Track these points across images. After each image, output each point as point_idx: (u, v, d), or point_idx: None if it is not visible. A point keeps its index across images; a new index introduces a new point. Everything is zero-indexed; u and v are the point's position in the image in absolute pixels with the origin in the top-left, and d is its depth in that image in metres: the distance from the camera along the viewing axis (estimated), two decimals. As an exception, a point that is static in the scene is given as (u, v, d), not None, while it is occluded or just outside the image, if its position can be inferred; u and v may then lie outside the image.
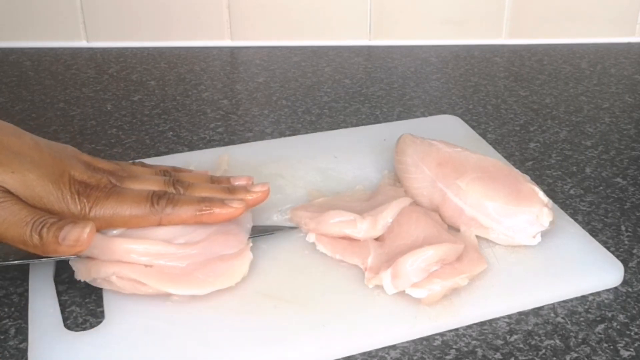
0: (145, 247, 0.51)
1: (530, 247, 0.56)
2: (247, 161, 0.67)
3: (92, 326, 0.50)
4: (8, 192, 0.48)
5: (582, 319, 0.51)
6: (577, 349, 0.49)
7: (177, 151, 0.72)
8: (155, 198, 0.52)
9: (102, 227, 0.51)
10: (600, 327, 0.51)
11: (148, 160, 0.68)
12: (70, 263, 0.52)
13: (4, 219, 0.47)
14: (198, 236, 0.53)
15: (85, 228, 0.48)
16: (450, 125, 0.76)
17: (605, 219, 0.62)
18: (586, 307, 0.52)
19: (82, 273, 0.51)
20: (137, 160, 0.60)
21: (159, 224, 0.52)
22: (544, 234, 0.56)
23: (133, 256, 0.50)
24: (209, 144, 0.74)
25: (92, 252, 0.50)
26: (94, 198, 0.51)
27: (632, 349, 0.49)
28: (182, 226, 0.53)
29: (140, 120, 0.79)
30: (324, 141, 0.72)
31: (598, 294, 0.54)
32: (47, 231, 0.47)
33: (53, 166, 0.51)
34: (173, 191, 0.54)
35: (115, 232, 0.52)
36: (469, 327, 0.50)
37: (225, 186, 0.57)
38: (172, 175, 0.57)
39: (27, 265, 0.54)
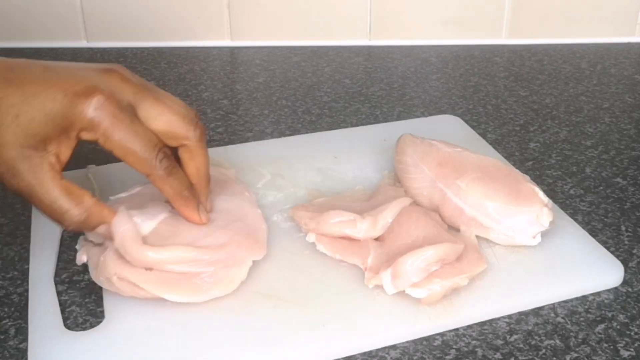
0: (178, 255, 0.51)
1: (530, 247, 0.56)
2: (247, 161, 0.67)
3: (92, 326, 0.50)
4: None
5: (582, 319, 0.51)
6: (577, 349, 0.49)
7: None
8: (162, 154, 0.50)
9: (105, 147, 0.49)
10: (600, 327, 0.51)
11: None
12: (88, 262, 0.52)
13: (37, 185, 0.47)
14: (220, 238, 0.53)
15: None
16: (450, 125, 0.76)
17: (605, 219, 0.62)
18: (586, 307, 0.52)
19: (94, 273, 0.52)
20: None
21: (147, 176, 0.51)
22: (544, 234, 0.56)
23: (169, 266, 0.51)
24: (209, 143, 0.73)
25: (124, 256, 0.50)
26: (110, 113, 0.48)
27: (632, 349, 0.49)
28: (199, 227, 0.53)
29: (140, 120, 0.79)
30: (324, 141, 0.72)
31: (598, 294, 0.54)
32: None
33: (65, 84, 0.48)
34: (192, 129, 0.52)
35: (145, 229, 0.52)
36: (469, 327, 0.50)
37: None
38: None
39: (27, 265, 0.54)
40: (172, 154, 0.52)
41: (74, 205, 0.49)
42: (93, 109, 0.47)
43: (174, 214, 0.54)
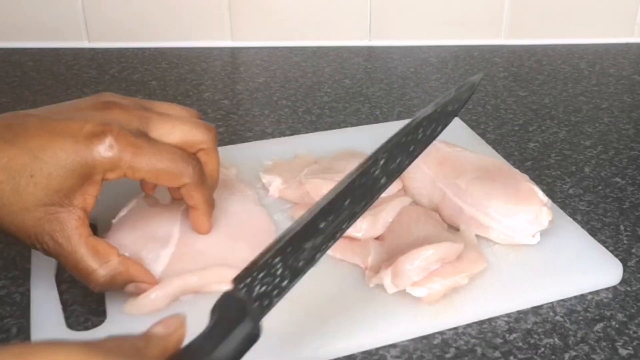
0: (221, 275, 0.51)
1: (530, 246, 0.56)
2: (247, 161, 0.67)
3: (94, 325, 0.50)
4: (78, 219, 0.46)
5: (580, 317, 0.52)
6: (575, 348, 0.49)
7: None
8: (193, 161, 0.50)
9: (135, 177, 0.48)
10: (599, 326, 0.51)
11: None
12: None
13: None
14: (243, 252, 0.52)
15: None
16: (450, 125, 0.76)
17: (604, 219, 0.62)
18: (585, 306, 0.53)
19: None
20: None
21: (182, 185, 0.50)
22: (543, 233, 0.56)
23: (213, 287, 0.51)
24: (209, 144, 0.74)
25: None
26: (123, 142, 0.46)
27: (630, 348, 0.49)
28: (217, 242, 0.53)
29: (141, 120, 0.79)
30: (324, 140, 0.72)
31: (597, 292, 0.54)
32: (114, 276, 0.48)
33: (64, 130, 0.46)
34: (205, 130, 0.52)
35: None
36: (469, 325, 0.51)
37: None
38: None
39: (29, 264, 0.55)
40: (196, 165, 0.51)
41: (99, 264, 0.47)
42: (110, 148, 0.46)
43: (182, 232, 0.54)
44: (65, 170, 0.45)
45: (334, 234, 0.41)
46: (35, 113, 0.49)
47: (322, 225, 0.41)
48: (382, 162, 0.44)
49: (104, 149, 0.46)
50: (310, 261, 0.41)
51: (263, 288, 0.39)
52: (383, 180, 0.44)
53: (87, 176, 0.46)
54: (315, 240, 0.41)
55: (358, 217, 0.42)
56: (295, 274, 0.40)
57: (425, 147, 0.46)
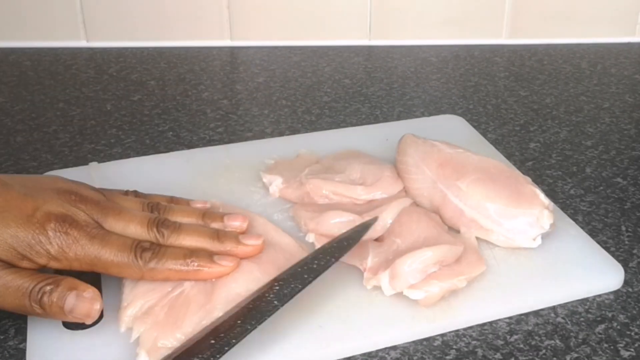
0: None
1: (531, 249, 0.56)
2: (247, 160, 0.67)
3: (90, 326, 0.49)
4: None
5: (582, 319, 0.51)
6: (577, 349, 0.49)
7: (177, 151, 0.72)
8: (139, 250, 0.49)
9: (82, 268, 0.48)
10: (600, 327, 0.51)
11: (148, 159, 0.68)
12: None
13: None
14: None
15: (94, 303, 0.46)
16: (454, 125, 0.76)
17: (606, 219, 0.62)
18: (586, 307, 0.52)
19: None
20: (131, 190, 0.56)
21: (142, 278, 0.49)
22: (545, 236, 0.56)
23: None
24: (208, 143, 0.74)
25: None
26: (74, 237, 0.47)
27: (632, 349, 0.49)
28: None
29: (140, 120, 0.79)
30: (325, 140, 0.72)
31: (598, 294, 0.53)
32: (49, 300, 0.45)
33: (20, 207, 0.47)
34: (156, 235, 0.50)
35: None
36: (469, 327, 0.50)
37: (215, 230, 0.53)
38: (160, 211, 0.54)
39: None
40: (152, 243, 0.50)
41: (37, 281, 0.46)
42: (55, 241, 0.47)
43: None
44: (6, 244, 0.46)
45: (222, 348, 0.44)
46: (2, 178, 0.49)
47: (212, 341, 0.45)
48: (277, 288, 0.48)
49: (46, 243, 0.47)
50: None
51: None
52: (275, 303, 0.47)
53: (27, 257, 0.47)
54: (203, 355, 0.44)
55: (248, 334, 0.45)
56: None
57: (318, 275, 0.49)
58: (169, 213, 0.54)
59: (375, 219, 0.55)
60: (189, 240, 0.51)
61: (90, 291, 0.46)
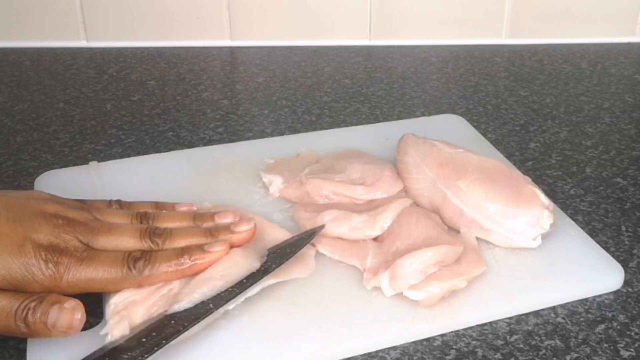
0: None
1: (531, 249, 0.56)
2: (247, 159, 0.67)
3: (91, 326, 0.49)
4: None
5: (582, 319, 0.51)
6: (577, 349, 0.49)
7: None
8: (131, 261, 0.49)
9: (77, 292, 0.48)
10: (600, 327, 0.51)
11: (147, 159, 0.68)
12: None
13: None
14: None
15: (75, 313, 0.45)
16: (454, 125, 0.76)
17: (606, 219, 0.62)
18: (586, 307, 0.52)
19: None
20: (114, 200, 0.56)
21: (139, 286, 0.49)
22: (545, 236, 0.56)
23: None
24: (208, 143, 0.74)
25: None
26: (64, 264, 0.47)
27: (632, 349, 0.49)
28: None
29: (140, 120, 0.79)
30: (325, 140, 0.72)
31: (598, 294, 0.53)
32: (33, 317, 0.45)
33: (10, 235, 0.47)
34: (150, 245, 0.51)
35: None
36: (469, 327, 0.50)
37: (207, 227, 0.54)
38: (149, 220, 0.54)
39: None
40: (143, 251, 0.50)
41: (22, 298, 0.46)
42: (45, 273, 0.47)
43: None
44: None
45: (151, 348, 0.44)
46: None
47: (144, 339, 0.45)
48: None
49: (40, 274, 0.47)
50: None
51: None
52: (211, 306, 0.48)
53: (20, 288, 0.47)
54: (133, 352, 0.44)
55: (181, 334, 0.46)
56: None
57: (257, 281, 0.50)
58: (159, 220, 0.54)
59: (321, 227, 0.56)
60: (183, 244, 0.52)
61: (71, 301, 0.46)
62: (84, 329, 0.49)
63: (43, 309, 0.45)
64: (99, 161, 0.68)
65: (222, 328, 0.49)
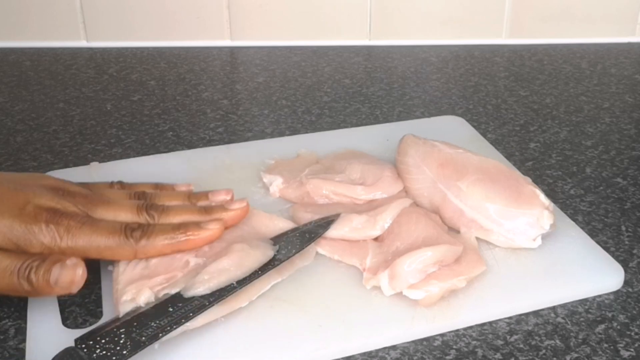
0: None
1: (531, 249, 0.56)
2: (247, 160, 0.67)
3: (91, 326, 0.49)
4: None
5: (582, 319, 0.51)
6: (577, 349, 0.49)
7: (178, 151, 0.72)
8: (128, 230, 0.50)
9: (75, 256, 0.49)
10: (600, 328, 0.51)
11: (148, 159, 0.68)
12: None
13: None
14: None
15: (77, 268, 0.47)
16: (454, 125, 0.76)
17: (606, 219, 0.62)
18: (586, 307, 0.52)
19: None
20: (116, 181, 0.58)
21: (135, 257, 0.51)
22: (545, 236, 0.56)
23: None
24: (208, 143, 0.74)
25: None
26: (64, 226, 0.49)
27: (632, 349, 0.49)
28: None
29: (140, 120, 0.79)
30: (325, 140, 0.72)
31: (598, 294, 0.53)
32: (36, 276, 0.46)
33: (12, 199, 0.49)
34: (146, 218, 0.53)
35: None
36: (469, 327, 0.50)
37: (202, 205, 0.56)
38: (147, 199, 0.55)
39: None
40: (140, 224, 0.51)
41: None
42: (46, 234, 0.48)
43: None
44: (1, 233, 0.47)
45: (179, 320, 0.46)
46: None
47: (170, 309, 0.46)
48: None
49: (40, 234, 0.48)
50: (154, 338, 0.45)
51: (103, 352, 0.43)
52: (235, 284, 0.49)
53: (21, 247, 0.48)
54: (161, 320, 0.45)
55: (207, 309, 0.47)
56: (136, 346, 0.44)
57: (277, 265, 0.52)
58: (156, 198, 0.56)
59: (337, 215, 0.56)
60: (178, 219, 0.53)
61: (73, 259, 0.47)
62: (84, 328, 0.49)
63: (46, 267, 0.46)
64: (99, 161, 0.68)
65: (222, 328, 0.49)
